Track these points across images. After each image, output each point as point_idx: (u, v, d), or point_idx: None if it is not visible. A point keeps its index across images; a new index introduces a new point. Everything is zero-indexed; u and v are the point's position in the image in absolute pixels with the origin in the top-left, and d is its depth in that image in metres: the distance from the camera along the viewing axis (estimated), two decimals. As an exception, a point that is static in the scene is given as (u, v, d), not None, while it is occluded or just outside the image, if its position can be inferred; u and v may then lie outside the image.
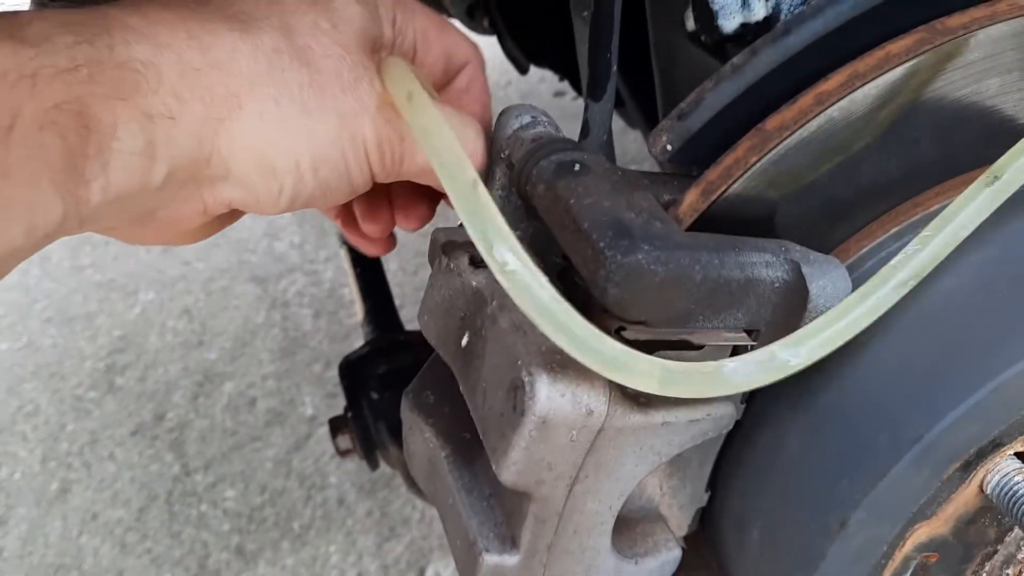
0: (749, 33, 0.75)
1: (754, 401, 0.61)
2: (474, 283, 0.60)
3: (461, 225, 0.73)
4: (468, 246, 0.64)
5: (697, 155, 0.59)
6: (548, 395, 0.51)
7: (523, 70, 1.57)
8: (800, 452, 0.58)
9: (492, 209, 0.49)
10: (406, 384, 1.13)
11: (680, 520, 0.67)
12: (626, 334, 0.56)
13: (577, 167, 0.62)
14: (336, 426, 1.05)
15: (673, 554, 0.63)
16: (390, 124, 0.58)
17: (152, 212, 0.55)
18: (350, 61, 0.57)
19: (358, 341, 2.26)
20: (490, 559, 0.57)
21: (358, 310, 1.15)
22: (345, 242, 1.22)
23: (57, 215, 0.46)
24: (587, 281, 0.56)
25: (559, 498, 0.54)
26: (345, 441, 1.04)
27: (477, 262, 0.61)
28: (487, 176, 0.70)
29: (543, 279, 0.48)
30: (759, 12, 0.73)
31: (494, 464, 0.54)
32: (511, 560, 0.57)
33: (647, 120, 1.32)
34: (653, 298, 0.53)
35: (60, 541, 1.83)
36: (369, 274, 1.19)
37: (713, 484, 0.65)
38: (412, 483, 1.00)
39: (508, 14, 1.56)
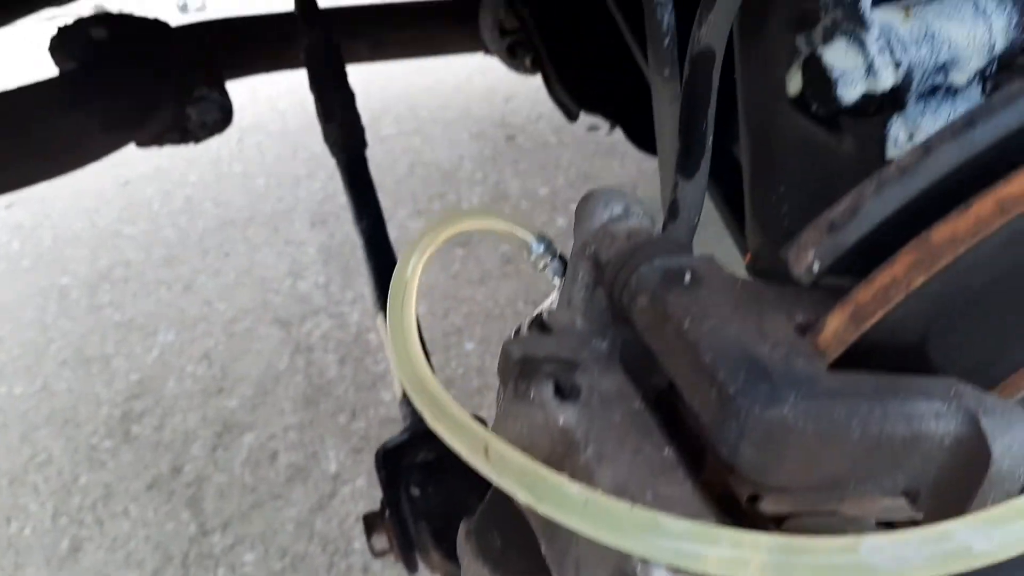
0: (873, 105, 0.64)
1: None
2: (561, 420, 0.49)
3: (534, 331, 0.62)
4: (551, 367, 0.52)
5: (843, 267, 0.47)
6: (668, 591, 0.40)
7: (572, 117, 1.46)
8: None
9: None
10: (449, 473, 1.02)
11: None
12: (763, 505, 0.44)
13: (688, 276, 0.51)
14: (371, 524, 0.93)
15: None
16: None
17: None
18: None
19: (385, 391, 2.16)
20: None
21: (396, 390, 1.04)
22: (383, 308, 1.11)
23: None
24: (709, 432, 0.45)
25: None
26: (381, 541, 0.93)
27: (565, 392, 0.50)
28: (572, 273, 0.59)
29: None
30: (887, 80, 0.62)
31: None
32: None
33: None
34: (800, 461, 0.42)
35: (69, 605, 1.73)
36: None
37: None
38: (457, 593, 0.88)
39: (556, 55, 1.45)
